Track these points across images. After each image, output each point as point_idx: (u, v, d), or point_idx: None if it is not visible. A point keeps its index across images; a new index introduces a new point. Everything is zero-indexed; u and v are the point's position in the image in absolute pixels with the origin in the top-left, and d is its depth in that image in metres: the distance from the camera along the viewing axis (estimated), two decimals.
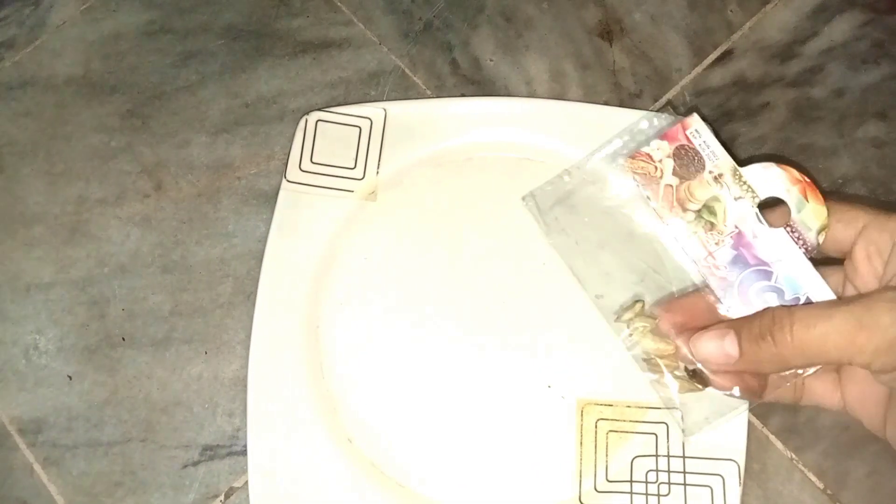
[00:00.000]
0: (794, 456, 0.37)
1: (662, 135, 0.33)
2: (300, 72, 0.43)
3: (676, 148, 0.32)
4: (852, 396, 0.30)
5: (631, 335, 0.33)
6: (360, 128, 0.40)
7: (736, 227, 0.31)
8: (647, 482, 0.35)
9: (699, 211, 0.32)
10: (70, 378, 0.38)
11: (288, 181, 0.39)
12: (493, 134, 0.40)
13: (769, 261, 0.31)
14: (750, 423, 0.36)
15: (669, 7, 0.43)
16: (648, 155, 0.32)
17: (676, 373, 0.32)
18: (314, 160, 0.39)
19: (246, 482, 0.36)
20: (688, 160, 0.32)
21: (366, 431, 0.36)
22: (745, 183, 0.31)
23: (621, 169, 0.33)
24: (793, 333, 0.27)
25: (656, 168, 0.32)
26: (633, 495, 0.35)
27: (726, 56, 0.42)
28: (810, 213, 0.30)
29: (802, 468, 0.37)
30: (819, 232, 0.30)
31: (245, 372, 0.37)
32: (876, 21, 0.43)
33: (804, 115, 0.41)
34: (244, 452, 0.36)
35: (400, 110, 0.40)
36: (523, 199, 0.37)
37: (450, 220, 0.39)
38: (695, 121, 0.33)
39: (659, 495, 0.35)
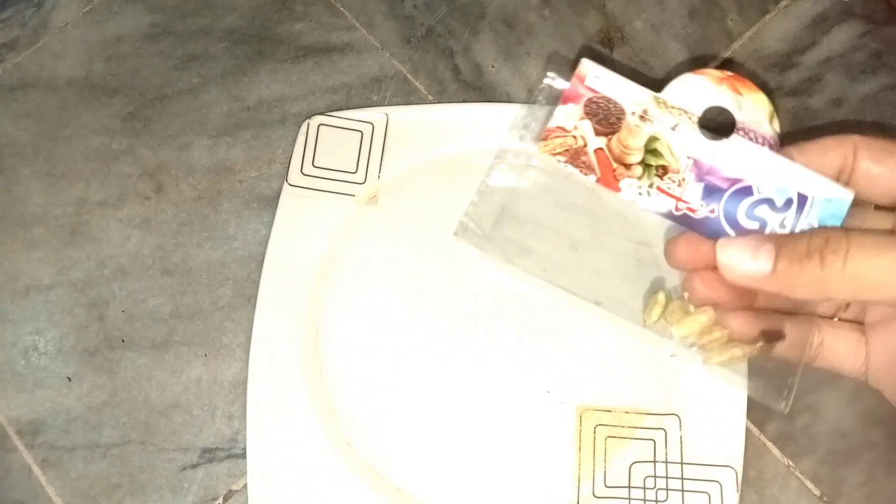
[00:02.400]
0: (790, 463, 0.37)
1: (563, 99, 0.27)
2: (302, 76, 0.43)
3: (585, 105, 0.27)
4: (879, 361, 0.27)
5: (672, 331, 0.29)
6: (361, 132, 0.40)
7: (689, 158, 0.27)
8: (644, 488, 0.35)
9: (643, 161, 0.27)
10: (69, 380, 0.38)
11: (290, 185, 0.39)
12: (494, 140, 0.40)
13: (741, 175, 0.27)
14: (747, 430, 0.36)
15: (669, 16, 0.44)
16: (560, 128, 0.27)
17: (729, 346, 0.28)
18: (316, 164, 0.39)
19: (245, 485, 0.36)
20: (603, 112, 0.27)
21: (365, 435, 0.36)
22: (672, 107, 0.27)
23: (538, 159, 0.28)
24: (847, 259, 0.23)
25: (576, 138, 0.27)
26: (632, 501, 0.35)
27: (725, 65, 0.43)
28: (751, 106, 0.27)
29: (799, 475, 0.37)
30: (770, 120, 0.27)
31: (244, 375, 0.37)
32: (874, 32, 0.43)
33: (802, 124, 0.42)
34: (243, 455, 0.36)
35: (402, 115, 0.40)
36: (455, 234, 0.32)
37: (450, 226, 0.39)
38: (588, 67, 0.27)
39: (657, 501, 0.35)
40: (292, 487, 0.35)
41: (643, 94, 0.27)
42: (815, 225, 0.26)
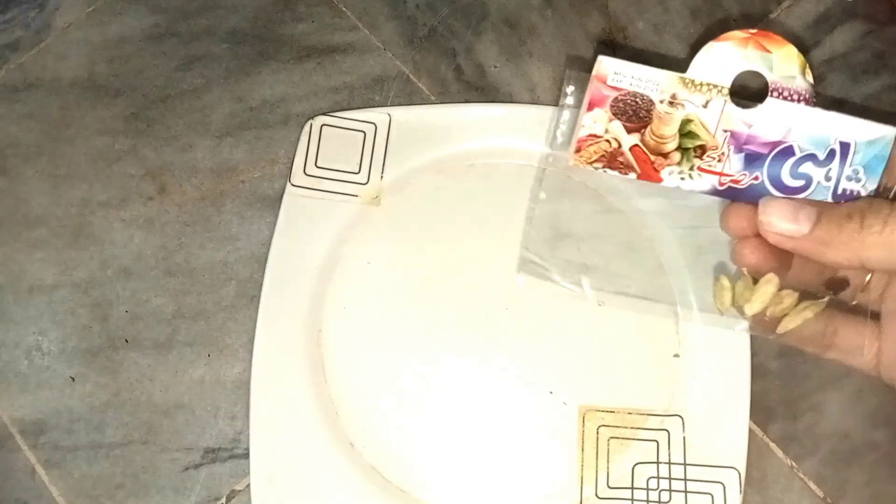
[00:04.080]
0: (793, 464, 0.37)
1: (588, 105, 0.27)
2: (304, 76, 0.43)
3: (611, 105, 0.27)
4: (893, 354, 0.27)
5: (742, 310, 0.28)
6: (364, 133, 0.40)
7: (726, 131, 0.27)
8: (648, 489, 0.35)
9: (679, 146, 0.27)
10: (72, 380, 0.38)
11: (292, 185, 0.39)
12: (497, 140, 0.40)
13: (781, 136, 0.26)
14: (750, 431, 0.36)
15: (672, 16, 0.44)
16: (591, 135, 0.27)
17: (795, 308, 0.28)
18: (318, 164, 0.39)
19: (248, 485, 0.36)
20: (632, 108, 0.27)
21: (367, 436, 0.36)
22: (701, 84, 0.26)
23: (577, 171, 0.28)
24: (888, 221, 0.24)
25: (609, 141, 0.27)
26: (635, 502, 0.35)
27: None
28: (782, 62, 0.26)
29: (802, 476, 0.37)
30: (803, 72, 0.26)
31: (247, 375, 0.37)
32: (876, 32, 0.43)
33: None
34: (246, 455, 0.36)
35: (404, 116, 0.40)
36: (519, 271, 0.33)
37: (453, 226, 0.39)
38: (607, 65, 0.26)
39: (660, 502, 0.35)
40: (295, 488, 0.35)
41: (668, 78, 0.26)
42: (860, 170, 0.26)
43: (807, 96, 0.27)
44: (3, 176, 0.41)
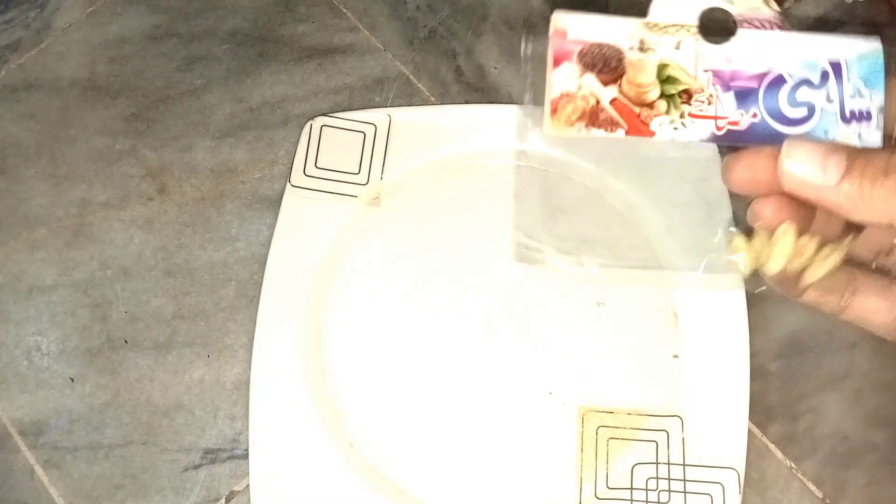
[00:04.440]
0: (793, 465, 0.37)
1: (554, 62, 0.24)
2: (305, 77, 0.43)
3: (578, 58, 0.24)
4: None
5: (767, 270, 0.26)
6: (364, 133, 0.40)
7: (707, 70, 0.25)
8: (647, 489, 0.35)
9: (662, 93, 0.25)
10: (72, 380, 0.38)
11: (292, 185, 0.39)
12: (497, 141, 0.40)
13: (766, 67, 0.25)
14: (749, 432, 0.36)
15: None
16: (564, 94, 0.25)
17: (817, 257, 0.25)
18: (318, 165, 0.39)
19: (247, 486, 0.36)
20: (600, 58, 0.25)
21: (367, 436, 0.36)
22: (667, 26, 0.25)
23: (558, 140, 0.26)
24: None
25: (585, 98, 0.25)
26: (634, 502, 0.35)
27: None
28: None
29: (801, 477, 0.37)
30: (765, 1, 0.25)
31: (247, 376, 0.37)
32: (876, 34, 0.43)
33: None
34: (245, 456, 0.36)
35: (404, 117, 0.40)
36: (518, 260, 0.30)
37: (453, 226, 0.39)
38: (564, 19, 0.24)
39: (659, 503, 0.35)
40: (294, 488, 0.35)
41: (633, 25, 0.25)
42: (861, 87, 0.25)
43: (778, 23, 0.25)
44: (3, 176, 0.41)
